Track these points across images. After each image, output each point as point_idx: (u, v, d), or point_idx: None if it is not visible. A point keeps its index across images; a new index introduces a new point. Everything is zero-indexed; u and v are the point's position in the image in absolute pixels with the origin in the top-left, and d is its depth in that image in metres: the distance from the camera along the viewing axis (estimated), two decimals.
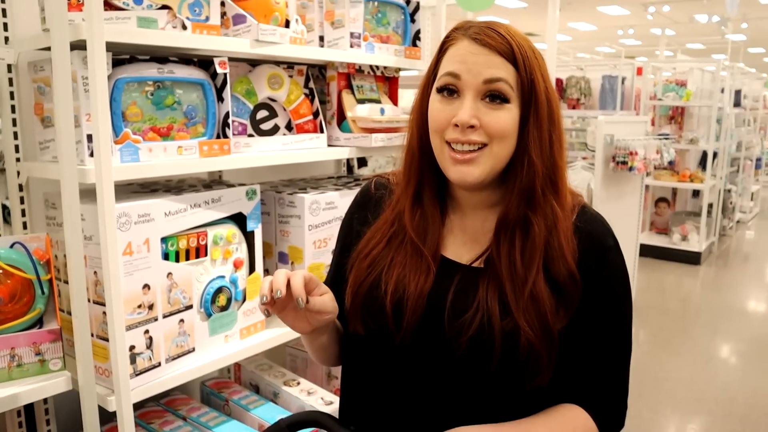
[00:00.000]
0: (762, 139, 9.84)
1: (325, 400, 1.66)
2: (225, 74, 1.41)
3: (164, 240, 1.34)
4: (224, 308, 1.51)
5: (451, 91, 0.92)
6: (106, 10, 1.23)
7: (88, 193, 1.22)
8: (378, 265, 0.99)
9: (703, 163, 6.56)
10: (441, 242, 1.00)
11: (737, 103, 7.25)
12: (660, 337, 4.30)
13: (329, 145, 1.77)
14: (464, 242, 1.00)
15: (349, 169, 2.53)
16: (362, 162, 3.13)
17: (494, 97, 0.90)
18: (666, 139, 4.83)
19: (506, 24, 0.93)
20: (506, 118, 0.90)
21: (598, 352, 0.96)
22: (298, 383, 1.75)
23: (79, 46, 1.15)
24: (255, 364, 1.86)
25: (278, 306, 0.93)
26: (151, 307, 1.32)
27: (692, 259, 6.36)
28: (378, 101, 1.90)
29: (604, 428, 0.95)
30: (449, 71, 0.91)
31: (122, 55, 1.29)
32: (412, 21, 1.95)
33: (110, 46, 1.21)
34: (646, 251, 6.26)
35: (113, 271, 1.19)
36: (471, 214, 1.01)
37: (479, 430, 0.89)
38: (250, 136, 1.62)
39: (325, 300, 0.94)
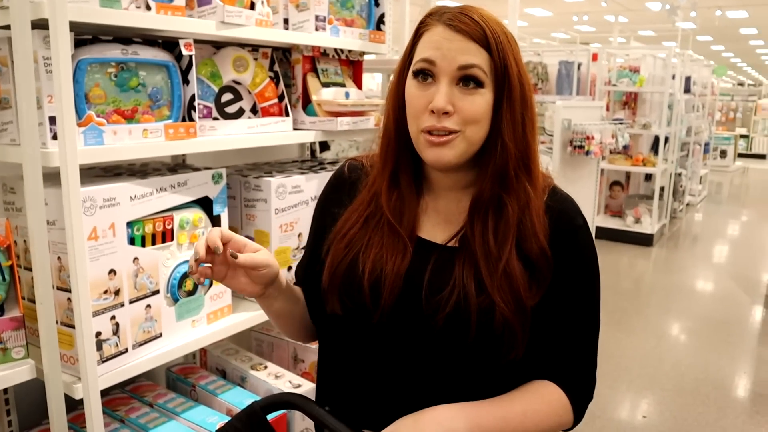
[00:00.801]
0: (710, 125, 10.16)
1: (292, 383, 1.67)
2: (190, 56, 1.39)
3: (130, 224, 1.32)
4: (191, 293, 1.49)
5: (426, 75, 0.93)
6: None
7: (52, 177, 1.19)
8: (355, 245, 1.00)
9: (655, 147, 6.75)
10: (417, 223, 1.01)
11: (687, 90, 7.46)
12: (615, 317, 4.43)
13: (295, 129, 1.76)
14: (438, 223, 1.02)
15: (312, 153, 2.52)
16: (324, 146, 3.11)
17: (468, 82, 0.91)
18: (620, 124, 4.95)
19: (480, 9, 0.94)
20: (480, 102, 0.91)
21: (568, 327, 0.99)
22: (266, 367, 1.75)
23: (39, 25, 1.12)
24: (221, 349, 1.85)
25: (217, 272, 0.97)
26: (117, 292, 1.30)
27: (645, 240, 6.56)
28: (342, 85, 1.90)
29: (574, 401, 0.99)
30: (424, 57, 0.92)
31: (84, 36, 1.26)
32: (377, 5, 1.94)
33: (72, 26, 1.17)
34: (601, 233, 6.43)
35: (79, 257, 1.17)
36: (445, 195, 1.03)
37: (457, 408, 0.91)
38: (215, 119, 1.60)
39: (256, 256, 0.97)
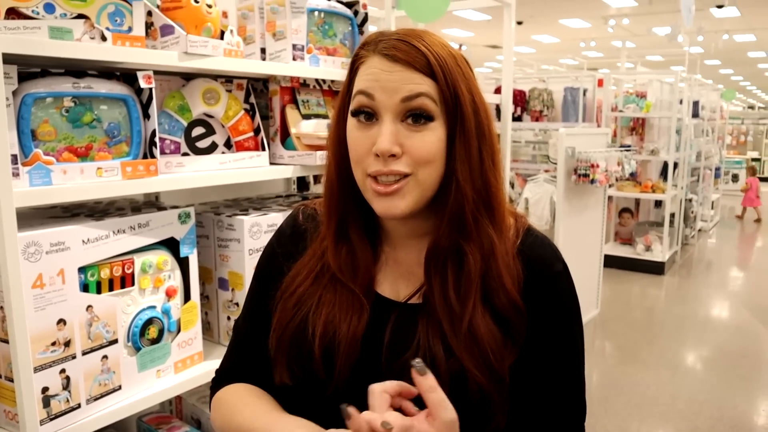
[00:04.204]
0: (720, 149, 10.02)
1: None
2: (150, 89, 1.30)
3: (83, 270, 1.23)
4: (155, 341, 1.39)
5: (368, 115, 0.82)
6: (11, 18, 1.13)
7: None
8: (305, 304, 0.88)
9: (664, 173, 6.62)
10: (375, 278, 0.90)
11: (696, 114, 7.35)
12: (625, 350, 4.27)
13: (272, 163, 1.67)
14: (401, 275, 0.91)
15: (304, 186, 2.43)
16: (319, 179, 3.03)
17: (417, 117, 0.80)
18: (627, 150, 4.85)
19: (422, 31, 0.84)
20: (431, 140, 0.80)
21: (550, 385, 0.88)
22: None
23: None
24: (197, 396, 1.74)
25: None
26: (67, 344, 1.20)
27: (656, 269, 6.40)
28: (326, 116, 1.81)
29: None
30: (362, 90, 0.82)
31: (32, 69, 1.18)
32: (361, 32, 1.87)
33: (17, 59, 1.10)
34: (611, 262, 6.27)
35: (16, 307, 1.08)
36: (404, 244, 0.92)
37: None
38: (185, 154, 1.51)
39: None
